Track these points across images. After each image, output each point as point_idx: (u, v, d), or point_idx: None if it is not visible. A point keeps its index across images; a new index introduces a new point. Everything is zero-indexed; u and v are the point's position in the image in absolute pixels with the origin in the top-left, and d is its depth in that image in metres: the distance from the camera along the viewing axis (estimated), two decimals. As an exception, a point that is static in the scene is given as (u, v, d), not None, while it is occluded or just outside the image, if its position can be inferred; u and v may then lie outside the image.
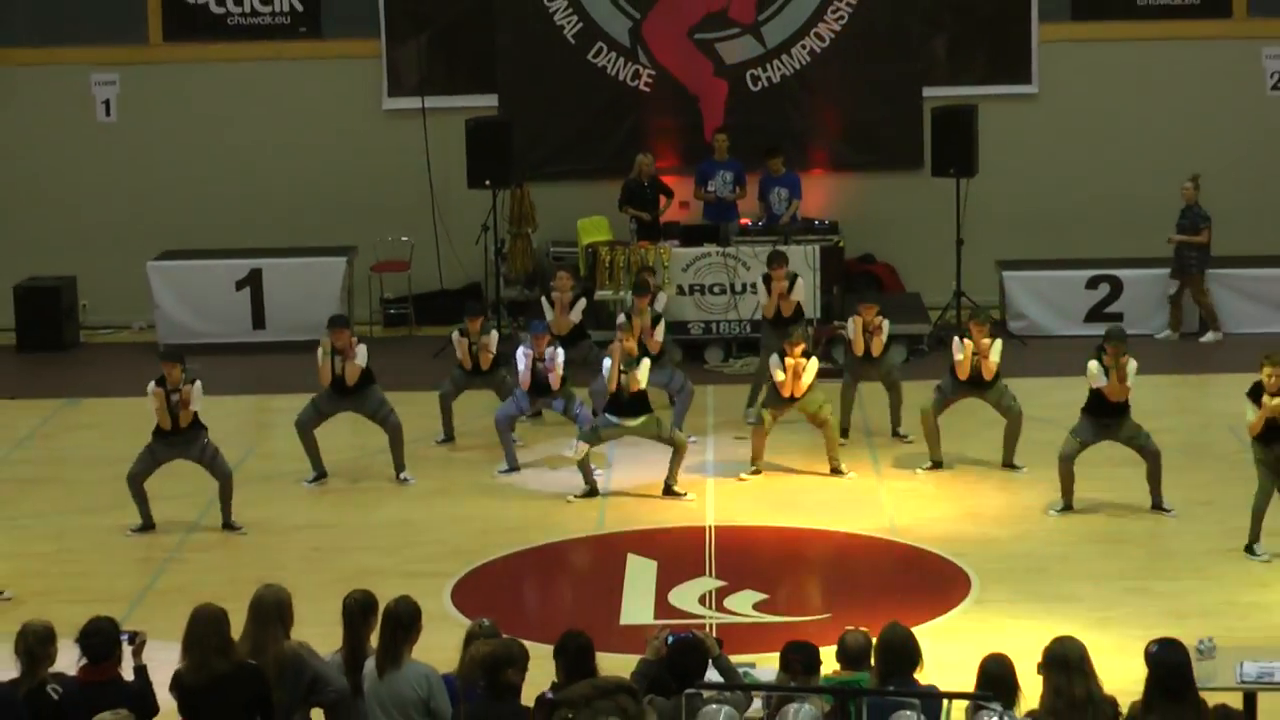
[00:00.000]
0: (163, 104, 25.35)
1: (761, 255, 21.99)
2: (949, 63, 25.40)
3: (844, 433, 19.59)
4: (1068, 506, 17.29)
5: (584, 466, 18.23)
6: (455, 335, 19.78)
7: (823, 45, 25.05)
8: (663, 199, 24.08)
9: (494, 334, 19.90)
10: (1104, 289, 23.73)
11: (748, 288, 22.66)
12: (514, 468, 19.09)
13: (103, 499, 18.12)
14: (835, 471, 18.71)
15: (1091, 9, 25.21)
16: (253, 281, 24.21)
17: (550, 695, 9.93)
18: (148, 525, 17.36)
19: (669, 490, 18.18)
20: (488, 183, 23.59)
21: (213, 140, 25.30)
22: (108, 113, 25.48)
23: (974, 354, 18.46)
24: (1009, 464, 18.81)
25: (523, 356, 18.93)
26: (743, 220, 23.89)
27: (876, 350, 19.30)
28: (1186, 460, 18.78)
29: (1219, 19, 25.09)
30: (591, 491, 18.21)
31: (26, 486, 19.06)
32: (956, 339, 18.82)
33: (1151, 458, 17.19)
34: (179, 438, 17.32)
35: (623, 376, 18.06)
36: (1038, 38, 25.17)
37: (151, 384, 17.23)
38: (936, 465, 18.89)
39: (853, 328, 19.40)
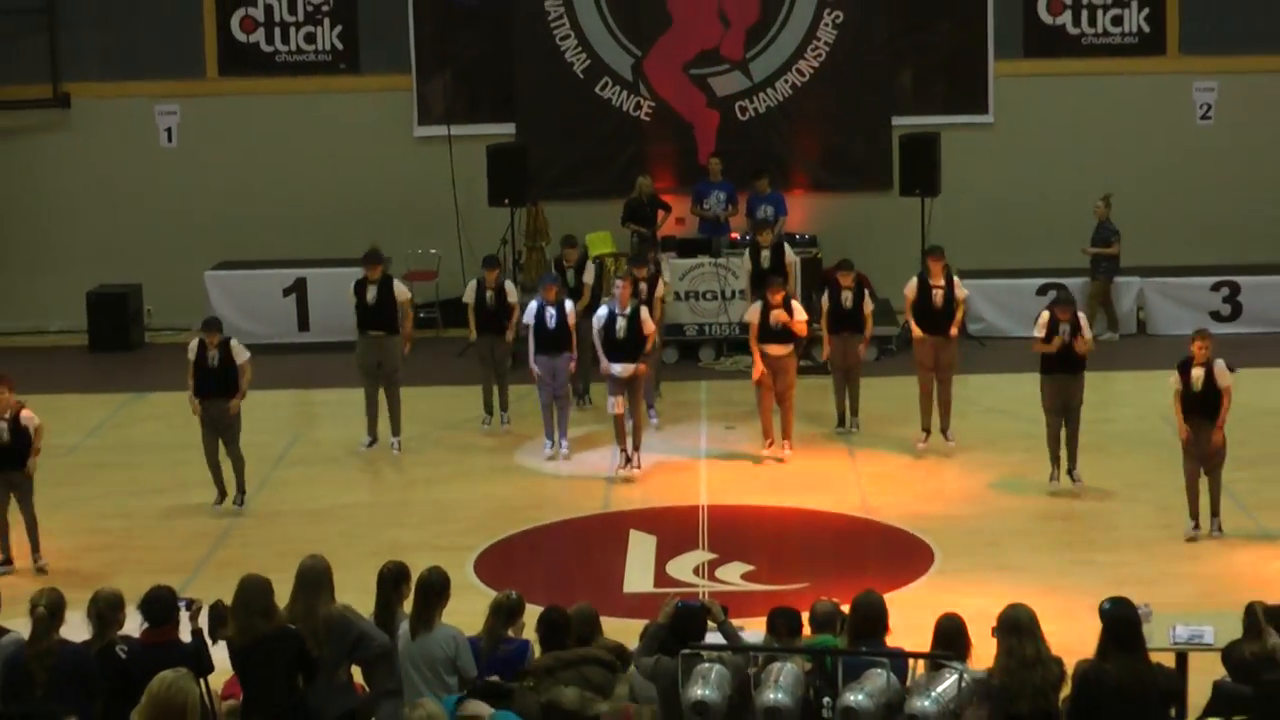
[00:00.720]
0: (218, 132, 25.38)
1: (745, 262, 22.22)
2: (914, 95, 25.43)
3: (841, 420, 19.71)
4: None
5: (621, 425, 18.16)
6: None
7: (803, 80, 25.10)
8: (661, 214, 24.13)
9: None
10: (1053, 294, 23.50)
11: (736, 294, 22.51)
12: (553, 440, 18.94)
13: (165, 482, 18.28)
14: (787, 443, 18.74)
15: (1041, 47, 25.20)
16: (298, 289, 24.30)
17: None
18: (222, 495, 17.39)
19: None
20: (506, 201, 23.66)
21: (263, 164, 25.30)
22: (169, 139, 25.53)
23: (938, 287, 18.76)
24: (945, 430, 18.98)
25: (534, 305, 18.90)
26: (733, 234, 23.81)
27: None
28: (1126, 447, 18.89)
29: (1155, 56, 25.11)
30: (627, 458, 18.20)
31: (97, 470, 19.08)
32: (914, 280, 19.04)
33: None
34: (216, 410, 17.29)
35: (619, 320, 18.10)
36: (993, 73, 25.21)
37: (193, 343, 17.36)
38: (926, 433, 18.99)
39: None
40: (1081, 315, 17.67)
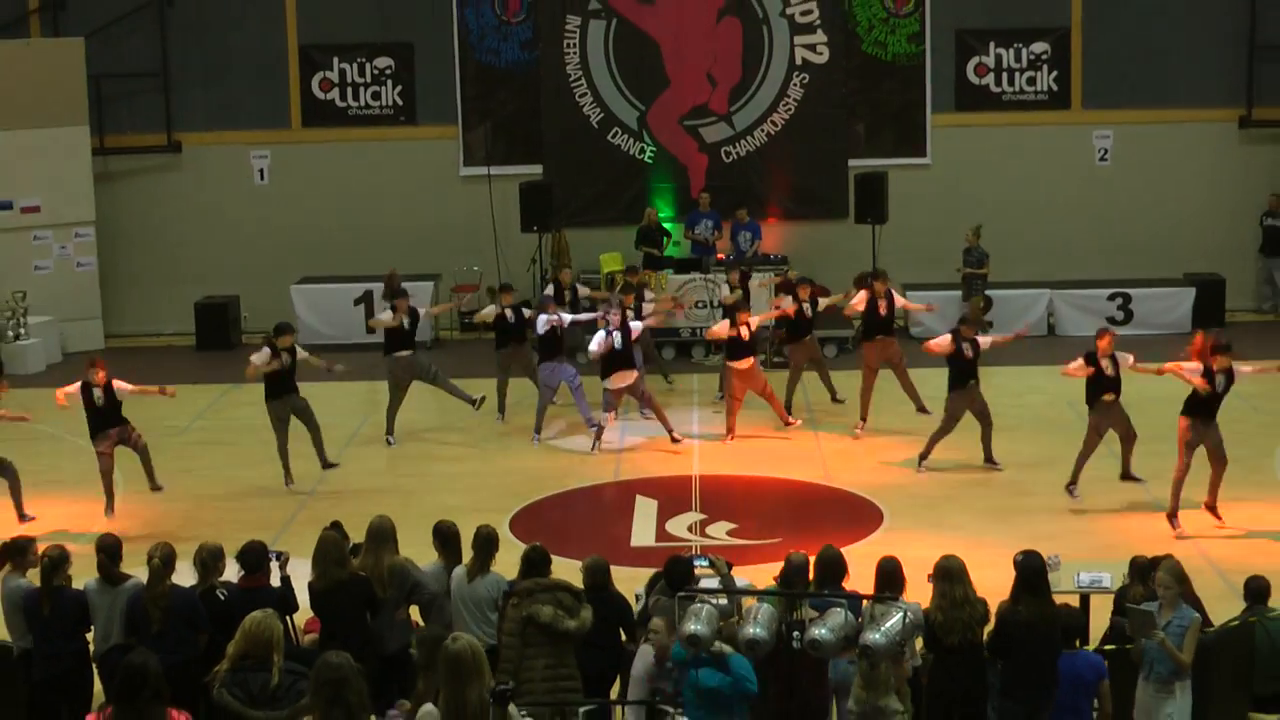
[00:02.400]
0: (301, 172, 25.39)
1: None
2: (867, 141, 25.30)
3: (834, 396, 19.75)
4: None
5: (601, 431, 18.21)
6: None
7: (776, 129, 25.07)
8: (666, 239, 24.16)
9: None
10: (980, 303, 23.64)
11: (722, 305, 22.76)
12: (594, 422, 18.67)
13: (257, 457, 18.21)
14: (787, 419, 18.84)
15: (970, 103, 25.13)
16: (365, 299, 24.19)
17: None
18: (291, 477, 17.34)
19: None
20: (535, 228, 23.61)
21: (336, 198, 25.28)
22: (262, 178, 25.54)
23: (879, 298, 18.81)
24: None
25: (543, 320, 18.79)
26: (719, 255, 23.82)
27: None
28: (1037, 428, 18.91)
29: (1061, 110, 25.07)
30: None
31: (203, 448, 19.16)
32: (860, 292, 19.09)
33: (987, 422, 17.38)
34: (285, 391, 17.25)
35: (615, 335, 17.95)
36: (930, 123, 25.16)
37: (266, 350, 17.19)
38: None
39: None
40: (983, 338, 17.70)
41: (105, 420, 16.08)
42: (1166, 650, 9.63)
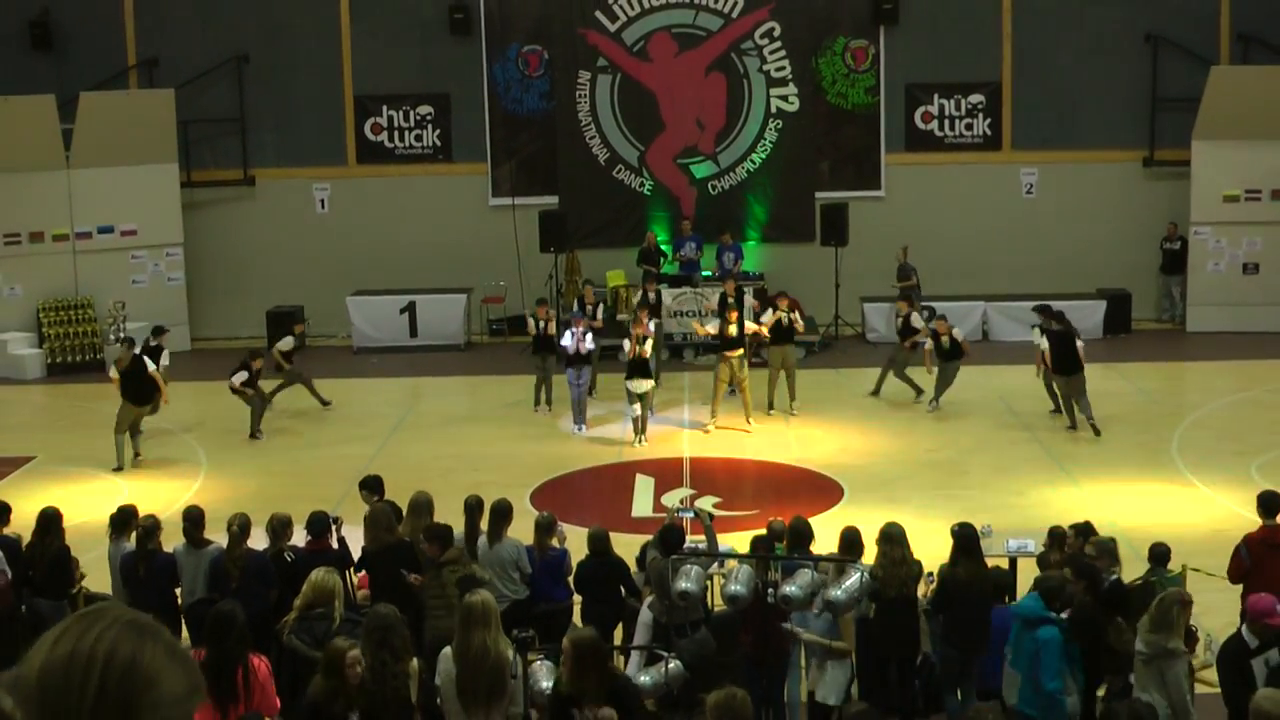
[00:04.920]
0: (356, 202, 25.34)
1: (718, 294, 22.09)
2: (831, 177, 25.21)
3: (770, 405, 19.51)
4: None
5: (637, 419, 17.99)
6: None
7: (754, 167, 25.03)
8: (663, 258, 24.11)
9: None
10: (926, 314, 23.66)
11: (709, 313, 22.62)
12: (578, 423, 18.72)
13: (318, 440, 18.33)
14: (748, 420, 18.61)
15: (917, 145, 25.06)
16: (410, 309, 24.18)
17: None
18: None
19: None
20: (551, 249, 23.62)
21: (385, 223, 25.23)
22: (323, 207, 25.51)
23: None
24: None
25: (570, 334, 18.80)
26: (705, 272, 23.88)
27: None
28: (972, 418, 18.86)
29: (994, 151, 25.06)
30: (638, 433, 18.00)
31: (274, 433, 18.89)
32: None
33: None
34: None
35: (636, 348, 17.96)
36: (884, 162, 25.10)
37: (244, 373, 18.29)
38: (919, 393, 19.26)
39: (768, 317, 19.37)
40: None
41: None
42: None
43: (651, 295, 21.18)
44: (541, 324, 19.51)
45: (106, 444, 17.34)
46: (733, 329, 18.43)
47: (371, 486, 12.01)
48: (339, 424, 19.17)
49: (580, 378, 18.77)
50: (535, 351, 19.69)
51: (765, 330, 19.24)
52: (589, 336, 18.86)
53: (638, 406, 17.97)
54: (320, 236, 25.40)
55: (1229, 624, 9.36)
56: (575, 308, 20.46)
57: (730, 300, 20.21)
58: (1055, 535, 11.09)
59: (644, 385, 18.00)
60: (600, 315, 19.97)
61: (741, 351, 18.60)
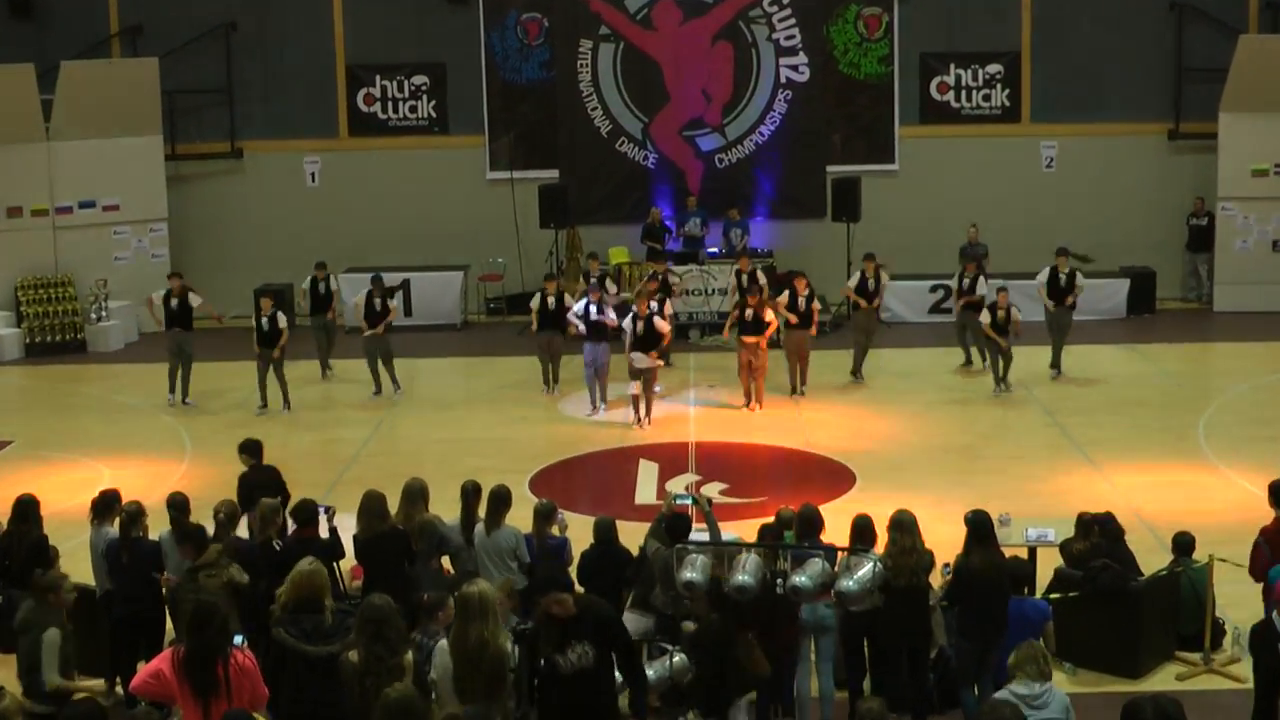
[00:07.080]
0: (348, 176, 25.30)
1: (725, 272, 22.02)
2: (843, 150, 25.16)
3: (794, 389, 19.47)
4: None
5: (636, 400, 17.87)
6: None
7: (763, 139, 24.98)
8: (668, 235, 24.05)
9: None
10: (940, 293, 23.78)
11: (716, 291, 22.65)
12: (594, 403, 18.59)
13: (309, 423, 18.27)
14: (758, 403, 18.62)
15: (933, 117, 25.03)
16: (405, 286, 24.10)
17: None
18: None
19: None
20: (552, 225, 23.62)
21: (378, 198, 25.19)
22: (313, 181, 25.45)
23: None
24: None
25: (583, 302, 18.70)
26: (711, 249, 23.78)
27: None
28: (989, 398, 18.80)
29: (1013, 123, 25.03)
30: (639, 420, 17.96)
31: (260, 416, 18.68)
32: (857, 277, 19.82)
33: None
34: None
35: (639, 323, 17.88)
36: (898, 135, 25.07)
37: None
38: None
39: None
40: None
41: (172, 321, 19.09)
42: None
43: (665, 277, 20.93)
44: (550, 299, 19.35)
45: (86, 427, 17.27)
46: (750, 312, 18.37)
47: (251, 450, 12.36)
48: (331, 407, 19.13)
49: (597, 355, 18.57)
50: (540, 329, 19.49)
51: (794, 318, 19.07)
52: (609, 311, 18.66)
53: (637, 385, 17.86)
54: (311, 212, 25.33)
55: (1256, 616, 9.29)
56: (593, 280, 20.26)
57: (747, 283, 20.12)
58: (1080, 524, 11.04)
59: (644, 361, 17.90)
60: (610, 287, 19.69)
61: (759, 339, 18.48)
